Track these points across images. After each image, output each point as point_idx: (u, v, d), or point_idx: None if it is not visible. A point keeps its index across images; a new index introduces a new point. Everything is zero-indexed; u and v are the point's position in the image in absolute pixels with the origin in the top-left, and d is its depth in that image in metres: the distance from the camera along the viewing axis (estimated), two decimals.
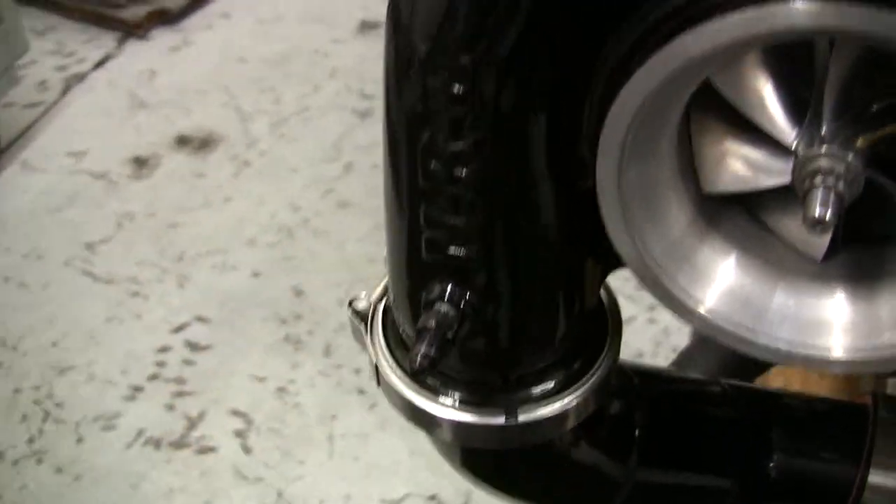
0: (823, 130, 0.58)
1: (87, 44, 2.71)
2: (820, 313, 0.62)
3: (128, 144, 2.45)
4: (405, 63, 0.63)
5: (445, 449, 0.83)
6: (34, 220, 2.31)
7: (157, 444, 1.92)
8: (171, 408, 1.97)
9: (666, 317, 1.69)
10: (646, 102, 0.55)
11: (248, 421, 1.94)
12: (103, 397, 2.00)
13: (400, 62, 0.63)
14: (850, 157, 0.57)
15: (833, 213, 0.55)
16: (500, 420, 0.72)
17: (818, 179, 0.56)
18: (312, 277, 2.15)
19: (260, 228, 2.25)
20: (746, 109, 0.59)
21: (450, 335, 0.67)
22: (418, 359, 0.65)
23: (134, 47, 2.70)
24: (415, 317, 0.71)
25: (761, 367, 1.01)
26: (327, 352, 2.02)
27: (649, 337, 1.84)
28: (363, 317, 0.80)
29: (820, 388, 1.06)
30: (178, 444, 1.92)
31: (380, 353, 0.77)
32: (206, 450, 1.91)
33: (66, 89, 2.60)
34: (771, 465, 0.82)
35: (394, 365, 0.76)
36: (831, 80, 0.57)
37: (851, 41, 0.56)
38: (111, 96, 2.57)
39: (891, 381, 0.96)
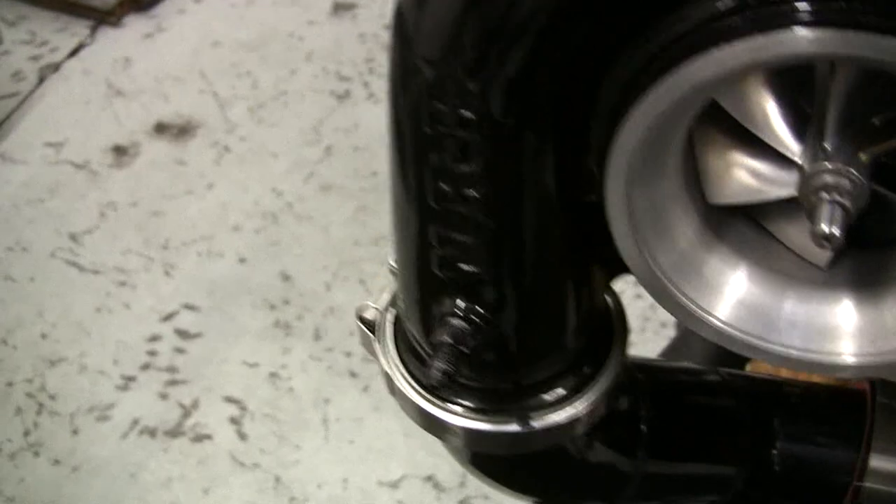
0: (827, 145, 0.60)
1: (59, 32, 2.70)
2: (828, 319, 0.64)
3: (107, 133, 2.45)
4: (412, 87, 0.64)
5: (454, 448, 0.85)
6: (17, 212, 2.32)
7: (152, 433, 1.94)
8: (164, 397, 1.99)
9: None
10: (652, 126, 0.57)
11: (243, 407, 1.96)
12: (96, 388, 2.01)
13: (406, 86, 0.64)
14: (855, 171, 0.59)
15: (840, 229, 0.57)
16: (514, 427, 0.74)
17: (824, 195, 0.58)
18: (299, 262, 2.17)
19: (244, 214, 2.26)
20: (750, 125, 0.61)
21: (465, 349, 0.69)
22: (436, 374, 0.67)
23: (107, 35, 2.69)
24: (427, 329, 0.73)
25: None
26: (317, 336, 2.05)
27: (637, 313, 1.87)
28: (372, 326, 0.81)
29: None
30: (174, 433, 1.94)
31: (391, 363, 0.79)
32: (201, 437, 1.93)
33: (42, 79, 2.60)
34: (773, 451, 0.85)
35: (405, 373, 0.78)
36: (833, 96, 0.59)
37: (853, 62, 0.58)
38: (87, 85, 2.57)
39: None
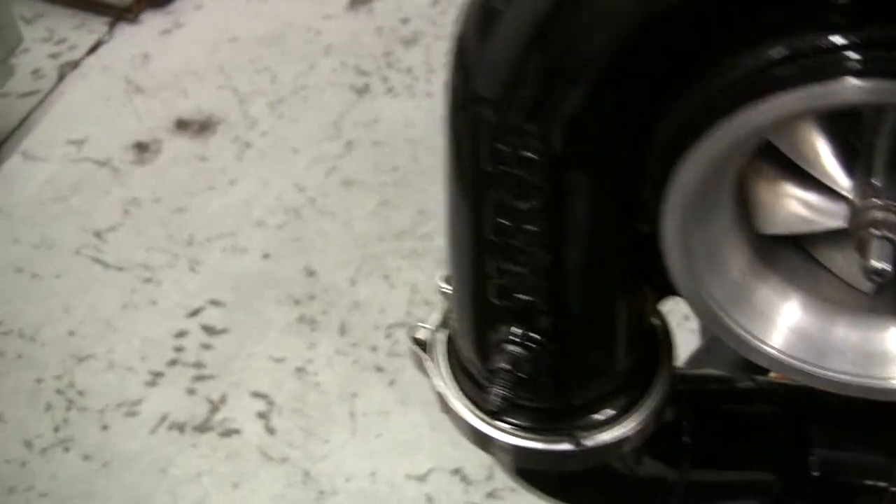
0: (876, 181, 0.62)
1: (77, 29, 2.72)
2: (878, 345, 0.66)
3: (128, 130, 2.47)
4: (472, 126, 0.65)
5: (502, 460, 0.88)
6: (41, 209, 2.34)
7: (181, 428, 1.97)
8: (192, 392, 2.02)
9: None
10: (709, 165, 0.59)
11: (270, 402, 1.99)
12: (124, 384, 2.04)
13: (466, 125, 0.66)
14: None
15: (890, 263, 0.60)
16: (565, 446, 0.77)
17: (874, 231, 0.61)
18: (322, 257, 2.19)
19: (267, 210, 2.28)
20: (802, 162, 0.64)
21: (522, 375, 0.71)
22: (495, 400, 0.70)
23: (125, 32, 2.71)
24: (483, 354, 0.76)
25: None
26: (342, 330, 2.07)
27: None
28: (424, 346, 0.84)
29: None
30: (203, 428, 1.97)
31: (445, 383, 0.81)
32: (230, 432, 1.96)
33: (61, 77, 2.62)
34: (811, 457, 0.87)
35: (459, 393, 0.81)
36: (881, 135, 0.62)
37: None
38: (107, 82, 2.59)
39: None
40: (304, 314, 2.10)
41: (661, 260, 0.65)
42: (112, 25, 2.72)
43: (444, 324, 0.83)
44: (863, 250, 0.61)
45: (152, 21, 2.72)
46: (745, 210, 0.68)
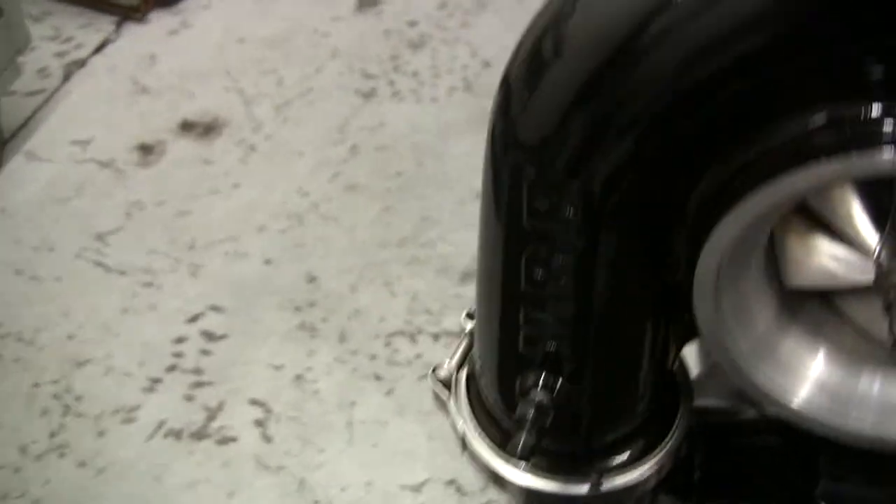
0: None
1: (84, 28, 2.70)
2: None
3: (132, 131, 2.46)
4: (512, 174, 0.65)
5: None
6: (43, 211, 2.32)
7: (177, 435, 1.95)
8: (190, 399, 2.00)
9: None
10: (745, 226, 0.58)
11: (268, 410, 1.97)
12: (122, 390, 2.02)
13: (507, 171, 0.66)
14: None
15: None
16: (584, 489, 0.76)
17: None
18: (324, 263, 2.17)
19: (270, 215, 2.26)
20: (832, 220, 0.62)
21: (547, 423, 0.71)
22: (523, 450, 0.69)
23: (132, 31, 2.69)
24: (508, 399, 0.75)
25: None
26: (342, 338, 2.05)
27: None
28: (447, 385, 0.83)
29: None
30: (199, 435, 1.95)
31: (467, 425, 0.81)
32: (226, 440, 1.94)
33: (67, 76, 2.60)
34: (817, 489, 0.86)
35: (481, 434, 0.80)
36: None
37: None
38: (113, 82, 2.57)
39: None
40: (305, 321, 2.08)
41: (685, 308, 0.65)
42: (119, 25, 2.71)
43: (463, 362, 0.83)
44: (891, 313, 0.59)
45: (160, 21, 2.71)
46: (774, 264, 0.67)
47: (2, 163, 2.41)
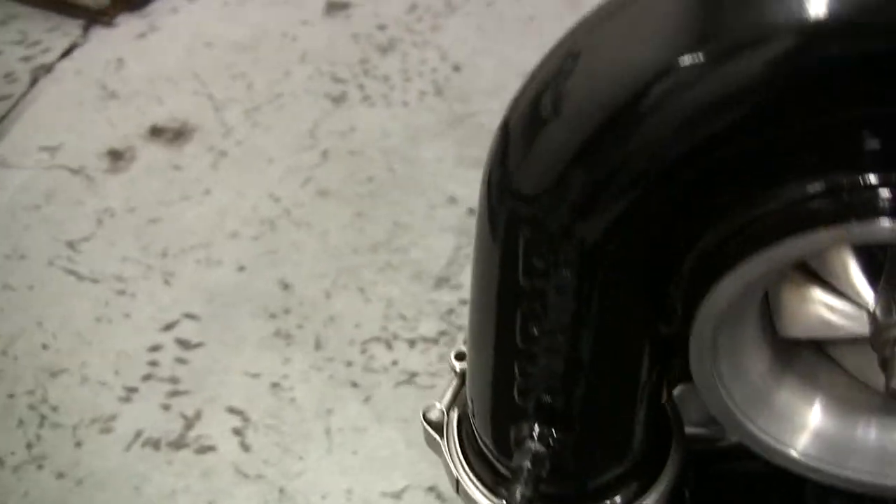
0: None
1: (51, 32, 2.69)
2: (892, 445, 0.66)
3: (102, 137, 2.45)
4: (507, 221, 0.65)
5: None
6: (13, 218, 2.32)
7: (155, 444, 1.96)
8: (167, 408, 2.00)
9: None
10: (742, 288, 0.59)
11: (245, 418, 1.98)
12: (98, 399, 2.02)
13: (502, 236, 0.66)
14: None
15: None
16: None
17: None
18: (298, 269, 2.17)
19: (242, 221, 2.26)
20: (829, 276, 0.64)
21: (542, 473, 0.72)
22: (520, 500, 0.70)
23: (100, 35, 2.68)
24: (501, 444, 0.76)
25: None
26: (318, 345, 2.06)
27: None
28: (436, 426, 0.84)
29: None
30: (177, 445, 1.95)
31: (460, 467, 0.82)
32: (205, 449, 1.94)
33: (34, 81, 2.59)
34: None
35: (473, 477, 0.81)
36: None
37: None
38: (81, 87, 2.56)
39: None
40: (280, 328, 2.09)
41: (678, 356, 0.66)
42: (87, 29, 2.69)
43: (454, 402, 0.84)
44: (886, 368, 0.61)
45: (128, 24, 2.70)
46: (768, 313, 0.68)
47: None
